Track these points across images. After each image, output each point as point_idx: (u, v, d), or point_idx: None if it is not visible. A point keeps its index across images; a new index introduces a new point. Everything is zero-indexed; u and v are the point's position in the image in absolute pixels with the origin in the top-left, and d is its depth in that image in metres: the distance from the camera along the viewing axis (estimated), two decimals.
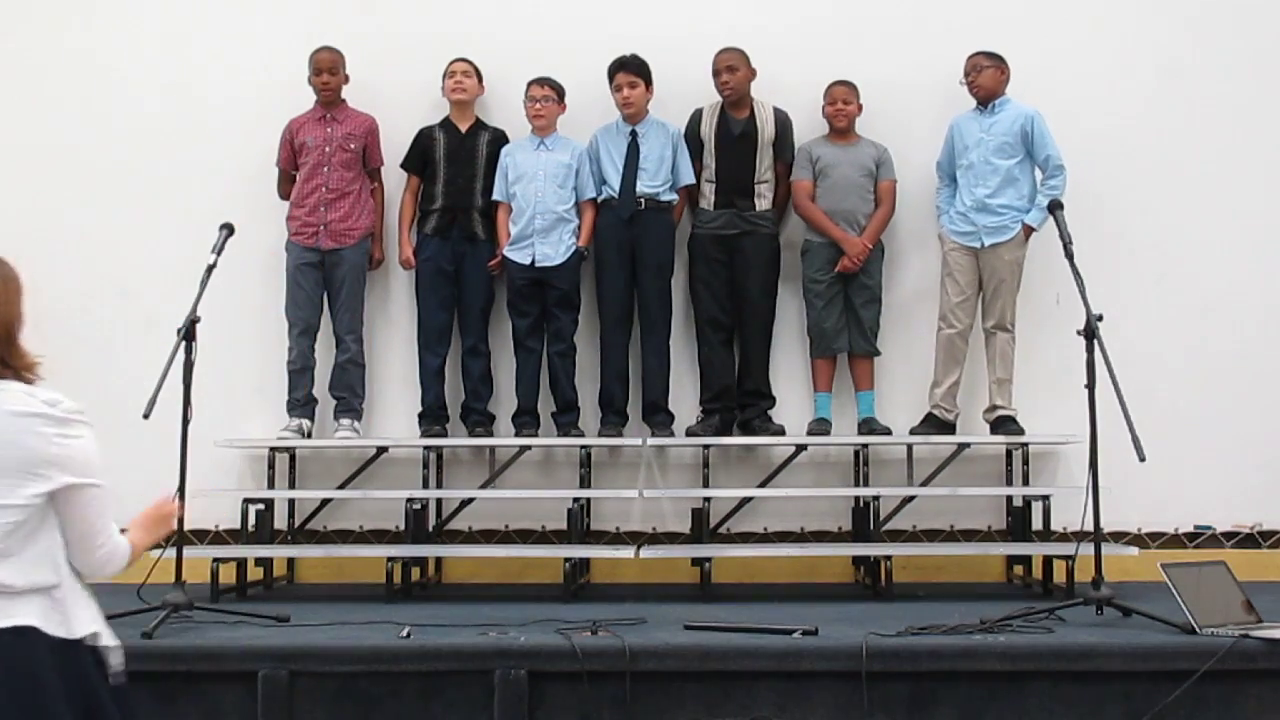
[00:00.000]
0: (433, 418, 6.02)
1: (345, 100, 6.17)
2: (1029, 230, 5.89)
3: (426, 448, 5.99)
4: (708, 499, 5.90)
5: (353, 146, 6.07)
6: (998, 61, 5.96)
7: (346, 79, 6.14)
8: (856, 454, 6.02)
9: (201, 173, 6.25)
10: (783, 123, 6.07)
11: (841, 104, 6.03)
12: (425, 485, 5.96)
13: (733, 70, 5.96)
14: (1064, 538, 5.76)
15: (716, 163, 6.01)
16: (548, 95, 6.05)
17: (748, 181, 6.01)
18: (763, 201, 6.02)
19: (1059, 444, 5.96)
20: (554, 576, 5.56)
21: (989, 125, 5.95)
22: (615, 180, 6.00)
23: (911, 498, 5.84)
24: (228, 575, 5.47)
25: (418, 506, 5.77)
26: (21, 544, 2.59)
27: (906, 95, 6.20)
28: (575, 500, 5.77)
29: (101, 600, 4.59)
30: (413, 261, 6.08)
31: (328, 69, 6.07)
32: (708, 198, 6.03)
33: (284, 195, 6.15)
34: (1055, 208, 4.88)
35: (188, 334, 4.56)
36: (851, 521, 6.05)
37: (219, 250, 4.80)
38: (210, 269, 4.73)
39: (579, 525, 5.77)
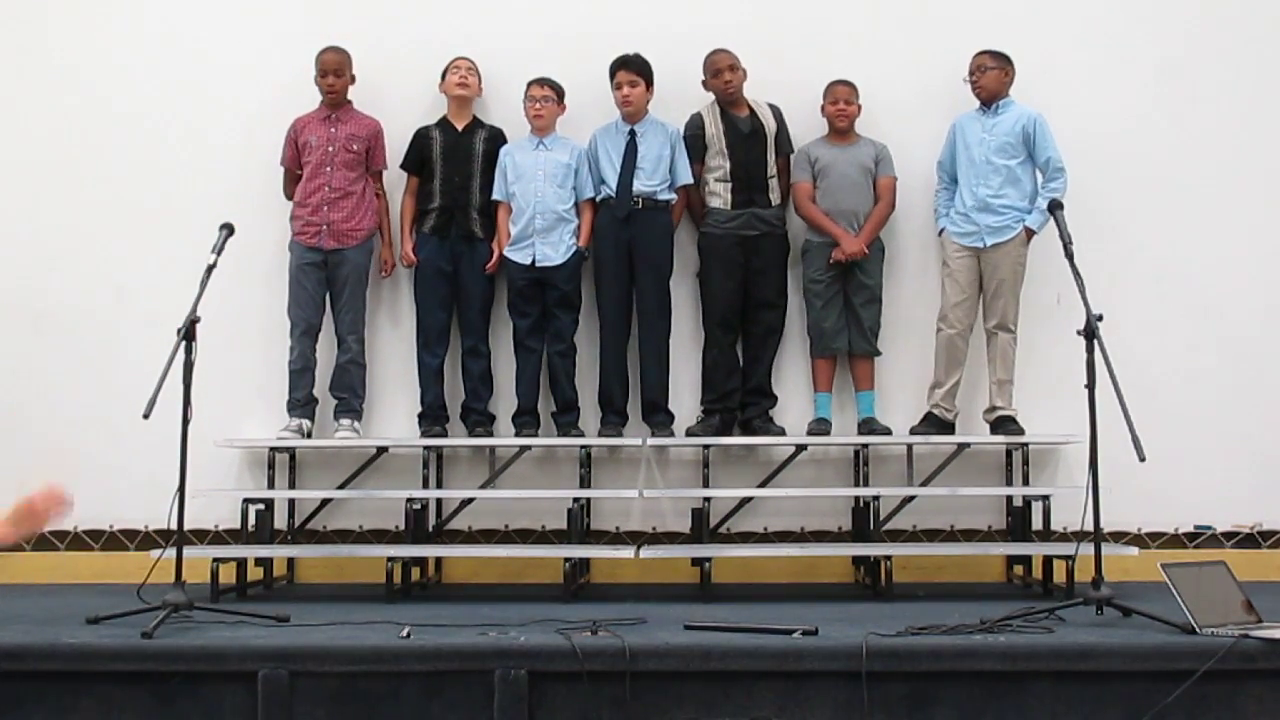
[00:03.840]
0: (432, 418, 6.02)
1: (351, 102, 6.17)
2: (1030, 233, 5.90)
3: (426, 448, 5.99)
4: (708, 499, 5.90)
5: (355, 148, 6.06)
6: (1003, 63, 5.96)
7: (353, 80, 6.14)
8: (856, 454, 6.02)
9: (202, 173, 6.25)
10: (779, 117, 6.10)
11: (844, 104, 6.04)
12: (425, 485, 5.96)
13: (734, 69, 5.98)
14: (1064, 538, 5.77)
15: (731, 161, 6.00)
16: (547, 95, 6.06)
17: (763, 177, 6.01)
18: (774, 196, 6.03)
19: (1059, 444, 5.96)
20: (554, 576, 5.56)
21: (991, 125, 5.96)
22: (613, 179, 6.00)
23: (911, 498, 5.84)
24: (228, 575, 5.47)
25: (418, 506, 5.78)
26: None
27: (907, 95, 6.20)
28: (575, 500, 5.77)
29: (101, 600, 4.60)
30: (413, 258, 6.08)
31: (333, 70, 6.06)
32: (723, 197, 6.01)
33: (289, 195, 6.15)
34: (1055, 208, 4.87)
35: (188, 334, 4.56)
36: (851, 521, 6.05)
37: (219, 250, 4.79)
38: (210, 269, 4.72)
39: (579, 525, 5.77)
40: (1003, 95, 5.97)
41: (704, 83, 6.05)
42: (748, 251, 5.98)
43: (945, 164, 6.09)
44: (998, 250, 5.88)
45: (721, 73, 5.98)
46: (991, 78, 5.94)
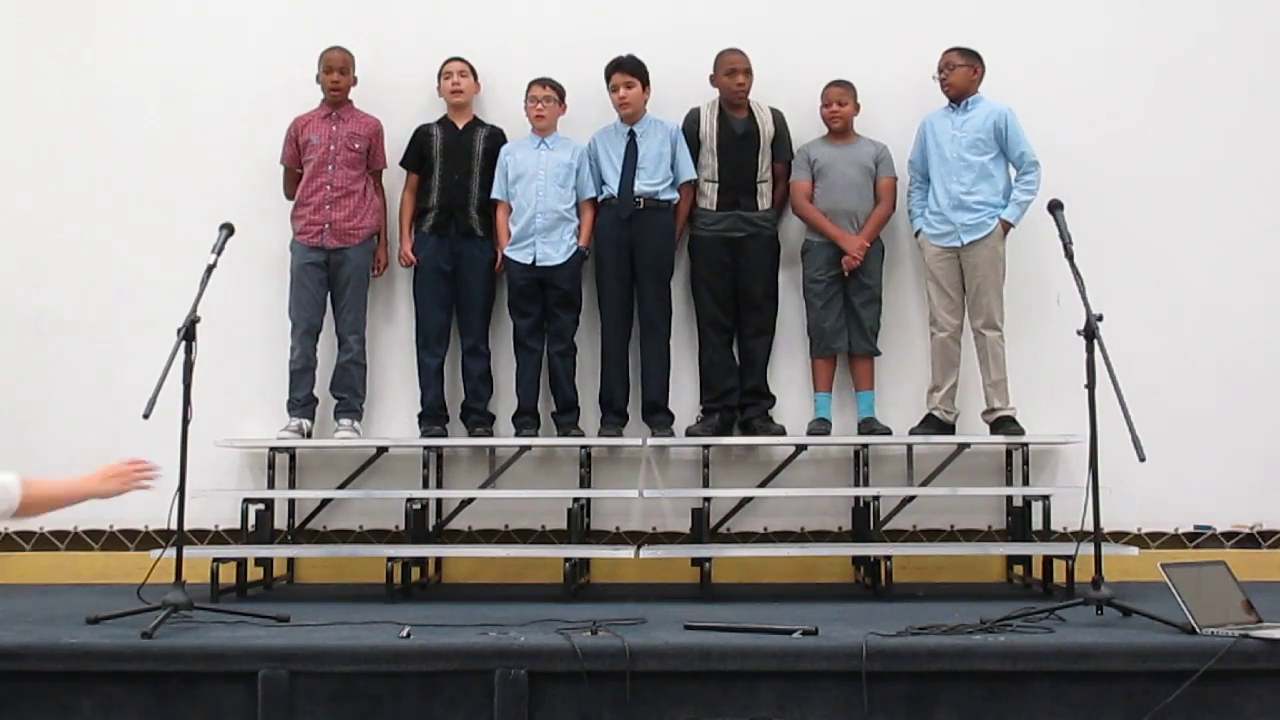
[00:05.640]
0: (432, 418, 6.02)
1: (352, 101, 6.17)
2: (1006, 226, 5.89)
3: (426, 448, 5.99)
4: (708, 499, 5.90)
5: (357, 146, 6.07)
6: (971, 60, 5.96)
7: (355, 80, 6.15)
8: (856, 454, 6.02)
9: (202, 173, 6.26)
10: (780, 122, 6.09)
11: (836, 105, 6.03)
12: (425, 485, 5.96)
13: (748, 73, 5.99)
14: (1064, 538, 5.77)
15: (719, 163, 6.01)
16: (549, 95, 6.06)
17: (751, 181, 6.01)
18: (764, 201, 6.03)
19: (1059, 444, 5.96)
20: (554, 576, 5.56)
21: (961, 122, 5.95)
22: (614, 180, 6.00)
23: (911, 498, 5.84)
24: (228, 575, 5.47)
25: (418, 506, 5.78)
26: None
27: (906, 95, 6.18)
28: (575, 500, 5.78)
29: (101, 600, 4.60)
30: (412, 258, 6.08)
31: (339, 68, 6.07)
32: (709, 198, 6.02)
33: (290, 194, 6.15)
34: (1055, 207, 4.86)
35: (188, 334, 4.56)
36: (851, 521, 6.05)
37: (219, 250, 4.80)
38: (210, 269, 4.72)
39: (579, 525, 5.77)
40: (971, 92, 5.97)
41: (712, 78, 6.03)
42: (734, 252, 5.98)
43: (917, 163, 6.08)
44: (975, 247, 5.87)
45: (736, 74, 5.98)
46: (960, 75, 5.94)
